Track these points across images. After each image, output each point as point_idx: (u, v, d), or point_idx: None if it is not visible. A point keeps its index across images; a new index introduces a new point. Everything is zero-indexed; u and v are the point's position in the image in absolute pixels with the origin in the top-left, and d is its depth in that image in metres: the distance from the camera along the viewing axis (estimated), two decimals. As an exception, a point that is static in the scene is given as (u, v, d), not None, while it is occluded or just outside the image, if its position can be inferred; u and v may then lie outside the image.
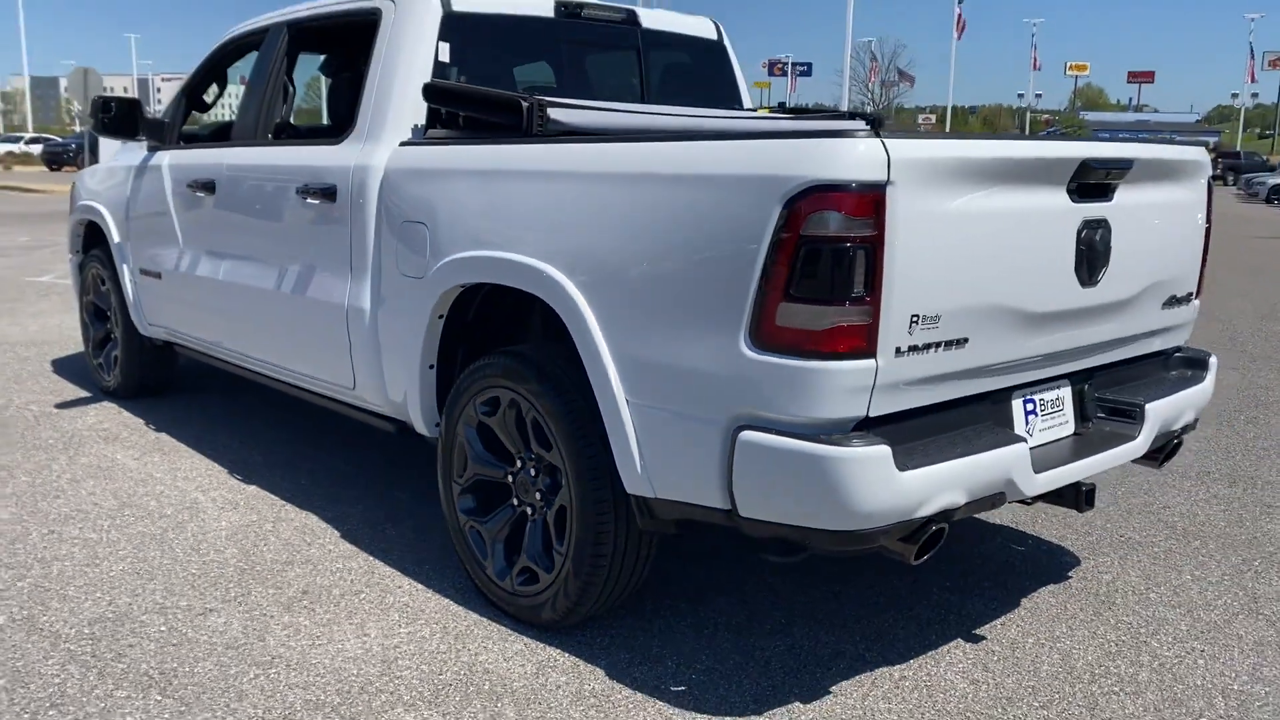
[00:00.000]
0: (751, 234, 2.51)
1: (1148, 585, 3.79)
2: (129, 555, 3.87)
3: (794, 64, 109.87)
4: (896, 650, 3.26)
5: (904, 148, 2.46)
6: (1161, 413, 3.30)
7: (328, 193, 3.93)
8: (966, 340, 2.70)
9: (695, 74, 4.77)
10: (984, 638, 3.36)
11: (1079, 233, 2.92)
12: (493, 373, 3.29)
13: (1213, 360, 3.68)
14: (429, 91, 3.67)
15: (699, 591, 3.64)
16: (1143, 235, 3.18)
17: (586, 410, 2.99)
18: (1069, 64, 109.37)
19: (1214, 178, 3.81)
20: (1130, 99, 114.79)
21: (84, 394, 6.24)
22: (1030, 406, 3.08)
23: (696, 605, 3.54)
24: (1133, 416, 3.25)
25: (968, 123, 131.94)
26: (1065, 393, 3.21)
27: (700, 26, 4.78)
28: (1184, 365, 3.67)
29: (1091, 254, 2.96)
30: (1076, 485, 3.10)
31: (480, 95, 3.52)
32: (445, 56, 3.86)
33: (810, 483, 2.50)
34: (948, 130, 64.95)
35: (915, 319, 2.55)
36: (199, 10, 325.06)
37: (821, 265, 2.43)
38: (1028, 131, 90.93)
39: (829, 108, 4.91)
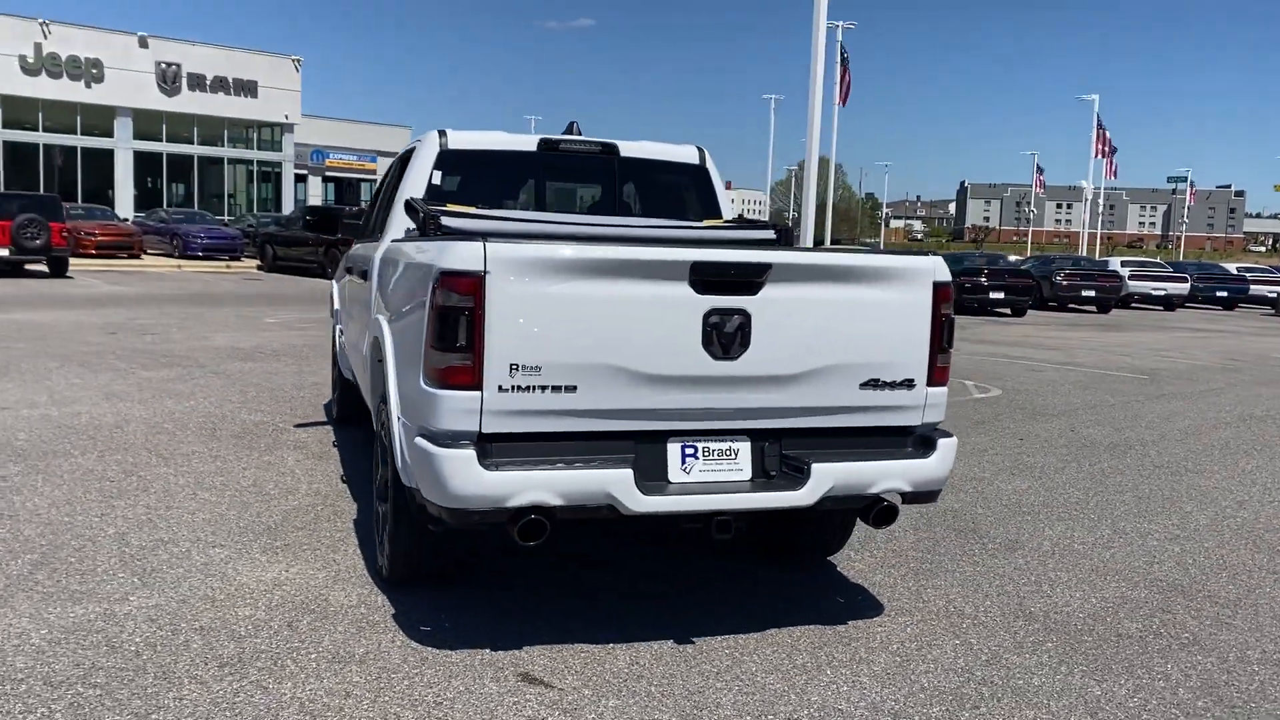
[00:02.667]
0: (423, 304, 3.77)
1: (901, 642, 4.29)
2: (219, 510, 5.74)
3: None
4: (605, 635, 4.18)
5: (499, 250, 3.61)
6: (833, 474, 3.94)
7: (365, 274, 5.62)
8: (575, 387, 3.71)
9: (674, 191, 5.91)
10: (691, 642, 4.17)
11: (706, 317, 3.79)
12: (379, 401, 4.73)
13: (943, 441, 4.17)
14: (404, 206, 5.24)
15: (497, 575, 4.77)
16: (804, 325, 3.91)
17: None
18: None
19: None
20: None
21: (320, 420, 8.47)
22: (690, 451, 3.94)
23: (489, 587, 4.68)
24: (801, 472, 3.95)
25: None
26: (743, 446, 4.00)
27: (684, 153, 5.92)
28: (915, 443, 4.20)
29: (722, 335, 3.80)
30: (711, 516, 3.88)
31: (412, 208, 5.02)
32: (437, 181, 5.42)
33: (430, 472, 3.68)
34: None
35: (515, 366, 3.65)
36: (635, 131, 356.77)
37: (445, 325, 3.63)
38: None
39: (758, 220, 5.75)
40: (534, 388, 3.68)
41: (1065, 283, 30.00)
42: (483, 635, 4.15)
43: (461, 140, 5.50)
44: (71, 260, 27.14)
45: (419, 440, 3.77)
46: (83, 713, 3.40)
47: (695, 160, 5.94)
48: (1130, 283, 33.42)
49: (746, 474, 4.00)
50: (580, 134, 5.81)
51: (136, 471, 6.53)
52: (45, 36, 38.16)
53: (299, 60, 45.30)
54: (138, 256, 32.10)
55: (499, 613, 4.40)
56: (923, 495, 4.18)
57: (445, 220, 4.81)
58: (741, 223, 5.61)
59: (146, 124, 41.47)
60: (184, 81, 41.63)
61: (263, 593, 4.51)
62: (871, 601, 4.75)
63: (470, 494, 3.63)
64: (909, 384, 4.13)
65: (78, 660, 3.77)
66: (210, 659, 3.83)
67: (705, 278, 3.79)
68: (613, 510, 3.75)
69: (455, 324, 3.62)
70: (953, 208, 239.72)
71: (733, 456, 3.99)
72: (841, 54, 43.00)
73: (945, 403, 4.25)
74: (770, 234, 5.25)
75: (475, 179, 5.57)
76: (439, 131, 5.51)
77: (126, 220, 35.06)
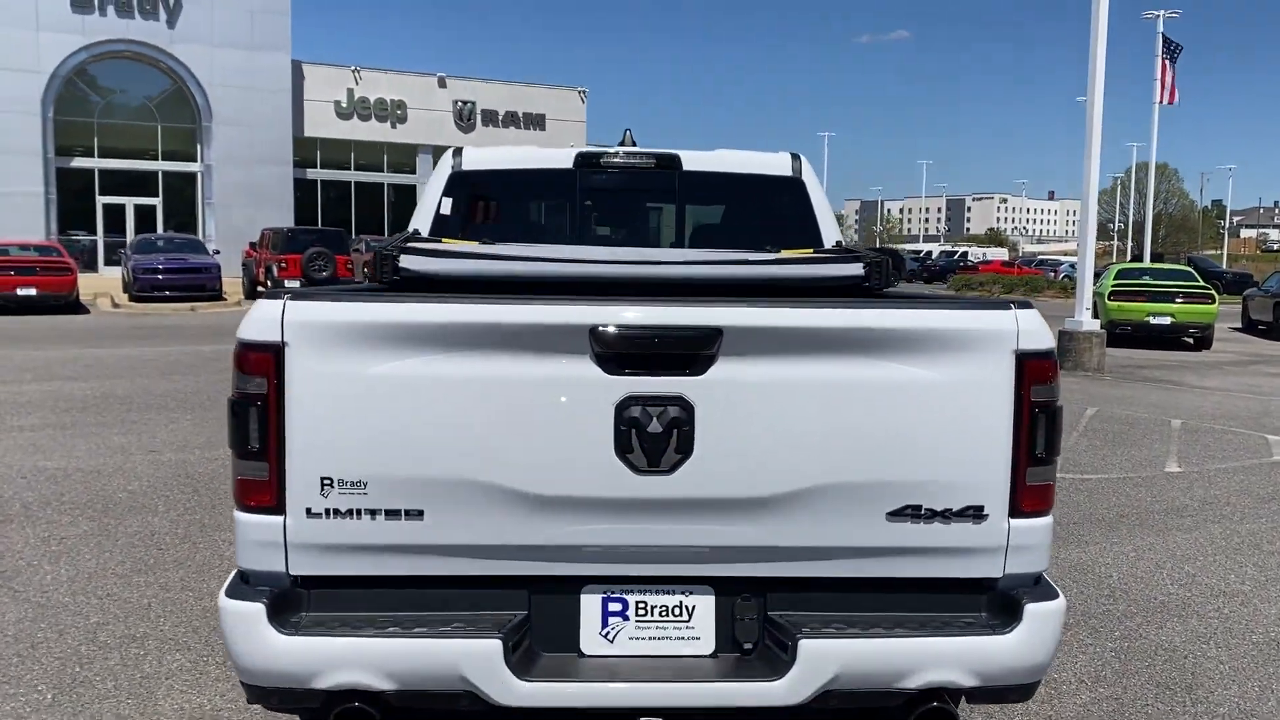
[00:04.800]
0: None
1: None
2: (231, 597, 4.97)
3: None
4: None
5: (302, 310, 2.48)
6: (832, 656, 2.49)
7: None
8: (421, 513, 2.51)
9: (756, 212, 4.52)
10: None
11: (620, 409, 2.47)
12: None
13: (1036, 608, 2.56)
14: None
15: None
16: (785, 421, 2.49)
17: None
18: None
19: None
20: None
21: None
22: (618, 606, 2.62)
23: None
24: (785, 650, 2.53)
25: None
26: (702, 601, 2.63)
27: (771, 164, 4.52)
28: (988, 607, 2.63)
29: (645, 436, 2.47)
30: (638, 714, 2.53)
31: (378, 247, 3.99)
32: (446, 210, 4.38)
33: (221, 632, 2.60)
34: None
35: (328, 482, 2.50)
36: (963, 140, 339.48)
37: (237, 421, 2.55)
38: None
39: (854, 250, 4.14)
40: (358, 512, 2.52)
41: None
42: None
43: (479, 160, 4.43)
44: (362, 290, 28.73)
45: (226, 584, 2.70)
46: None
47: (787, 172, 4.52)
48: None
49: (706, 644, 2.63)
50: (634, 143, 4.58)
51: (195, 538, 5.94)
52: (356, 82, 41.19)
53: (584, 92, 46.35)
54: (426, 285, 33.72)
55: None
56: (1001, 692, 2.62)
57: (405, 261, 3.73)
58: (834, 253, 4.13)
59: (445, 159, 43.79)
60: (478, 118, 43.61)
61: (165, 730, 3.63)
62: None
63: (261, 668, 2.51)
64: (975, 514, 2.59)
65: None
66: (2, 843, 2.96)
67: (615, 349, 2.48)
68: (475, 699, 2.51)
69: (246, 419, 2.53)
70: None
71: (684, 616, 2.64)
72: (1165, 47, 38.30)
73: (1047, 542, 2.67)
74: (856, 269, 3.74)
75: (497, 205, 4.48)
76: (453, 150, 4.47)
77: (421, 251, 36.92)
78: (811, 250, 4.20)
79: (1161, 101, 37.98)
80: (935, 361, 2.53)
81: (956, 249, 74.38)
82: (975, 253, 68.94)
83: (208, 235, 35.82)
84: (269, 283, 25.97)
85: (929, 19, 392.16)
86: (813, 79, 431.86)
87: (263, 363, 2.50)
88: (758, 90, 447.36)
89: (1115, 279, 21.32)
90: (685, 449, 2.49)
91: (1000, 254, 75.20)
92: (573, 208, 4.63)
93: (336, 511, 2.51)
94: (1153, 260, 41.35)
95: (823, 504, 2.54)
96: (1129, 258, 59.29)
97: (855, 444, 2.53)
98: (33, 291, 22.33)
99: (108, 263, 35.44)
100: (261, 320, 2.50)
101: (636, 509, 2.53)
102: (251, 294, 27.96)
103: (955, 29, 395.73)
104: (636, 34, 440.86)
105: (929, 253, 68.09)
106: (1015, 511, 2.60)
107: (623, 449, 2.48)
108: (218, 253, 28.01)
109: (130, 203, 36.95)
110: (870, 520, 2.57)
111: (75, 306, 23.25)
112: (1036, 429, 2.58)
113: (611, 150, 4.43)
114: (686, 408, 2.48)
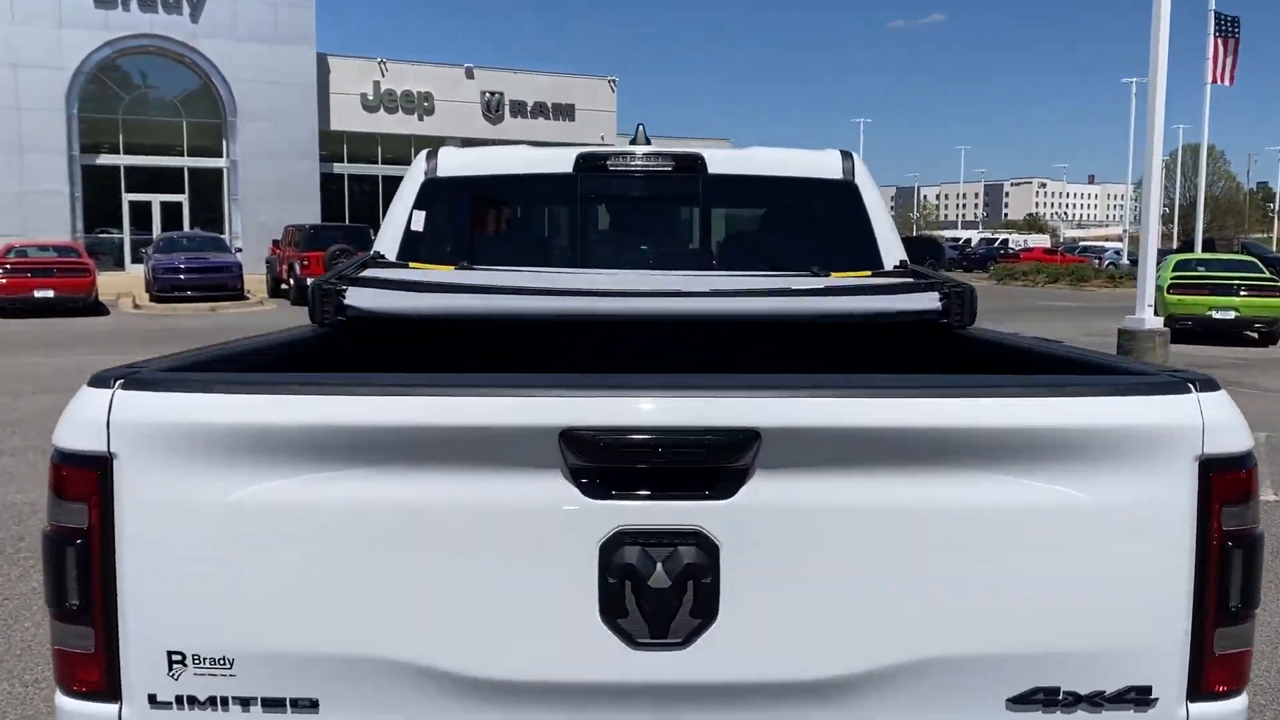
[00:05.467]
0: None
1: None
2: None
3: None
4: None
5: (143, 404, 1.69)
6: None
7: None
8: (315, 703, 1.71)
9: (799, 223, 3.68)
10: None
11: (606, 552, 1.65)
12: None
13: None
14: None
15: None
16: (853, 567, 1.67)
17: None
18: None
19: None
20: None
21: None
22: (608, 831, 1.80)
23: None
24: None
25: None
26: (734, 822, 1.81)
27: (817, 165, 3.67)
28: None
29: (643, 592, 1.65)
30: None
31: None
32: (418, 225, 3.58)
33: None
34: None
35: (179, 658, 1.71)
36: (1012, 124, 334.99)
37: (49, 564, 1.77)
38: None
39: (924, 272, 3.28)
40: (223, 701, 1.73)
41: None
42: None
43: (459, 163, 3.63)
44: (387, 287, 28.12)
45: None
46: None
47: (836, 175, 3.67)
48: None
49: None
50: (648, 140, 3.76)
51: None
52: (383, 74, 40.56)
53: (614, 81, 45.41)
54: (454, 280, 33.05)
55: None
56: None
57: (352, 296, 2.93)
58: (899, 278, 3.28)
59: (474, 152, 43.05)
60: (506, 109, 42.86)
61: None
62: None
63: None
64: (1139, 698, 1.75)
65: None
66: None
67: (600, 462, 1.66)
68: None
69: (62, 564, 1.75)
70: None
71: (707, 841, 1.82)
72: (1218, 24, 36.74)
73: (1244, 735, 1.83)
74: (930, 300, 2.90)
75: (481, 219, 3.68)
76: (427, 152, 3.67)
77: (448, 245, 36.32)
78: (869, 273, 3.35)
79: (1218, 82, 36.47)
80: (1078, 474, 1.69)
81: (996, 236, 72.77)
82: (1016, 240, 67.42)
83: (234, 232, 35.37)
84: (292, 280, 25.42)
85: (964, 1, 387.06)
86: (846, 65, 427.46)
87: (82, 483, 1.71)
88: (790, 78, 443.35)
89: (1174, 271, 20.17)
90: (706, 611, 1.67)
91: (1041, 240, 73.48)
92: (573, 221, 3.80)
93: (193, 700, 1.72)
94: (1204, 247, 39.88)
95: (912, 688, 1.71)
96: (1175, 244, 57.50)
97: (959, 600, 1.70)
98: (50, 293, 21.88)
99: (134, 260, 35.08)
100: (80, 420, 1.72)
101: (635, 698, 1.72)
102: (275, 292, 27.43)
103: (991, 11, 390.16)
104: (665, 22, 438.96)
105: (968, 240, 66.64)
106: (1196, 692, 1.76)
107: (612, 611, 1.67)
108: (239, 250, 27.48)
109: (156, 200, 36.57)
110: (984, 710, 1.73)
111: (95, 308, 22.78)
112: (1229, 570, 1.74)
113: (621, 150, 3.60)
114: (708, 548, 1.66)
